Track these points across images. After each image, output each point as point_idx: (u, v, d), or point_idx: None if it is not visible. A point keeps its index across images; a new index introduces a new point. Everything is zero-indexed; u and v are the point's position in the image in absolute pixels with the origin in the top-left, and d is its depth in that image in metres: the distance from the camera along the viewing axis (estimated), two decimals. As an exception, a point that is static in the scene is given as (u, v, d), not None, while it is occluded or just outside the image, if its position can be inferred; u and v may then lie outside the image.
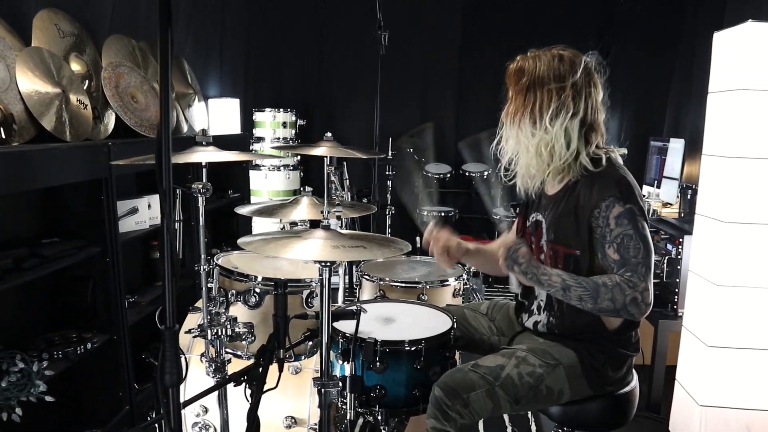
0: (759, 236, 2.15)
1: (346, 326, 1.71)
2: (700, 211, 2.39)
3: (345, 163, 2.87)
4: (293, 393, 2.02)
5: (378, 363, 1.66)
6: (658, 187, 3.83)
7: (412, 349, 1.68)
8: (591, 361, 1.66)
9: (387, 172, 4.63)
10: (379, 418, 1.69)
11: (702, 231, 2.38)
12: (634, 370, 1.82)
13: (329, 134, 2.62)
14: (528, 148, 1.64)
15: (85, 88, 2.60)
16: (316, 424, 1.99)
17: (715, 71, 2.31)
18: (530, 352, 1.67)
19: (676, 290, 2.70)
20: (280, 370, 1.46)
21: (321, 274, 1.39)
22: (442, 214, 4.53)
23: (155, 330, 1.84)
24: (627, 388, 1.74)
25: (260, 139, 4.40)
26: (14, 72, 2.16)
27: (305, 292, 1.79)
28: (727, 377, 2.27)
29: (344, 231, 1.48)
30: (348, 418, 1.67)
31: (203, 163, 1.60)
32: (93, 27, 2.79)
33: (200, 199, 1.58)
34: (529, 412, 2.75)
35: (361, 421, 2.62)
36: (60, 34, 2.50)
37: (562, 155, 1.62)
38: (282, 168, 4.47)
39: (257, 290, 1.77)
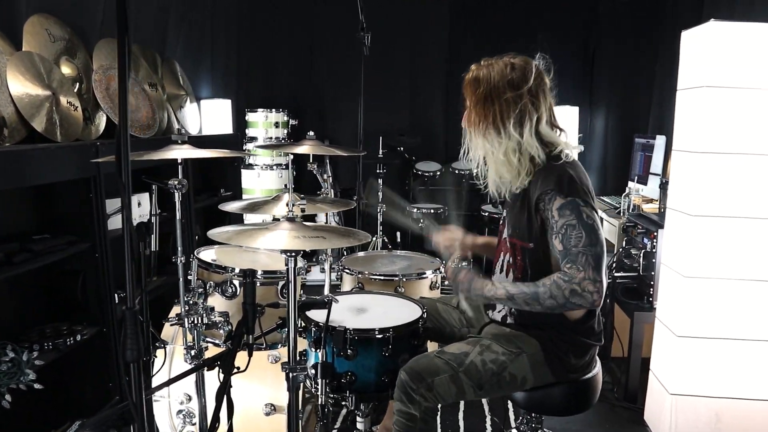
0: (724, 229, 2.22)
1: (319, 315, 1.79)
2: (671, 205, 2.46)
3: (327, 161, 2.95)
4: (272, 381, 2.10)
5: (348, 350, 1.74)
6: (644, 183, 3.90)
7: (381, 336, 1.76)
8: (554, 349, 1.73)
9: (378, 171, 4.71)
10: (350, 402, 1.77)
11: (672, 224, 2.45)
12: (597, 358, 1.90)
13: (311, 133, 2.71)
14: (498, 156, 1.69)
15: (75, 90, 2.69)
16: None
17: (682, 69, 2.38)
18: (494, 341, 1.75)
19: (651, 283, 2.77)
20: (250, 354, 1.54)
21: (287, 263, 1.47)
22: (432, 211, 4.60)
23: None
24: (589, 375, 1.81)
25: (253, 139, 4.50)
26: (5, 75, 2.26)
27: (280, 284, 1.88)
28: (695, 366, 2.34)
29: (308, 223, 1.56)
30: (320, 402, 1.75)
31: (179, 160, 1.68)
32: (84, 31, 2.88)
33: (176, 194, 1.66)
34: (509, 401, 2.84)
35: (344, 411, 2.71)
36: (51, 38, 2.59)
37: (539, 156, 1.69)
38: (275, 167, 4.56)
39: (234, 281, 1.86)
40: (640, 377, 2.81)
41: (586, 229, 1.59)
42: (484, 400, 2.85)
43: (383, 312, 1.95)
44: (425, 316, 1.90)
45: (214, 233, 1.48)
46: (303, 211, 1.53)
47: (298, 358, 1.88)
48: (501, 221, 1.90)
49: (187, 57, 3.94)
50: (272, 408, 2.08)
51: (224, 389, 1.46)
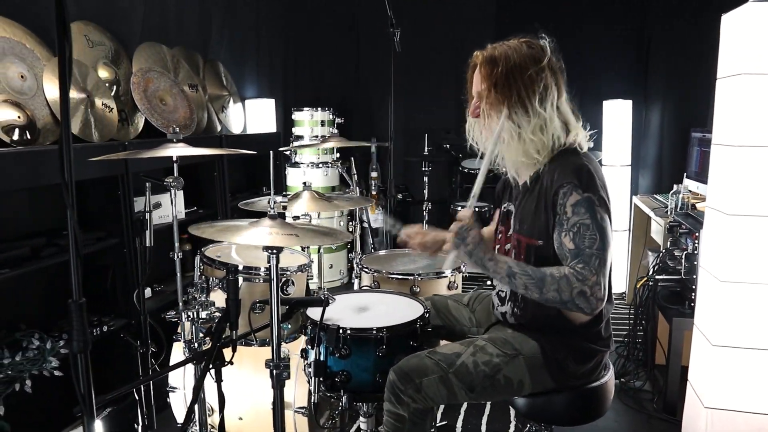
0: (762, 229, 2.03)
1: (318, 313, 1.79)
2: (710, 204, 2.28)
3: (352, 158, 2.94)
4: (281, 377, 2.12)
5: (342, 349, 1.73)
6: (702, 180, 3.65)
7: (375, 336, 1.73)
8: (553, 353, 1.65)
9: (423, 168, 4.67)
10: (343, 402, 1.75)
11: (710, 224, 2.27)
12: (609, 364, 1.79)
13: (335, 130, 2.72)
14: (524, 136, 1.60)
15: (113, 93, 2.82)
16: (301, 407, 2.09)
17: (722, 56, 2.20)
18: (490, 342, 1.68)
19: (693, 287, 2.58)
20: (233, 350, 1.55)
21: (269, 261, 1.47)
22: (477, 209, 4.50)
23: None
24: (597, 383, 1.71)
25: (299, 138, 4.56)
26: (41, 80, 2.40)
27: (281, 280, 1.88)
28: (732, 378, 2.15)
29: (294, 221, 1.55)
30: (313, 400, 1.75)
31: (174, 158, 1.72)
32: (124, 36, 3.02)
33: (172, 192, 1.70)
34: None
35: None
36: (89, 44, 2.73)
37: (560, 136, 1.63)
38: (320, 165, 4.61)
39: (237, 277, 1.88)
40: (679, 388, 2.63)
41: (600, 231, 1.51)
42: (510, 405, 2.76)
43: (385, 311, 1.92)
44: (427, 316, 1.86)
45: (195, 229, 1.50)
46: (284, 208, 1.52)
47: (303, 355, 1.90)
48: (501, 215, 1.83)
49: (233, 57, 4.05)
50: (280, 404, 2.10)
51: (202, 382, 1.48)
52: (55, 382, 2.09)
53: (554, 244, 1.58)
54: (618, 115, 4.25)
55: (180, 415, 2.29)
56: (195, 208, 3.21)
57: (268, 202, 1.46)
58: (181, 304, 1.75)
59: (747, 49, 1.99)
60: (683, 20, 4.04)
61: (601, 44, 4.39)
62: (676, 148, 4.08)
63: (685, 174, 3.33)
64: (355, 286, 2.74)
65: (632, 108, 4.25)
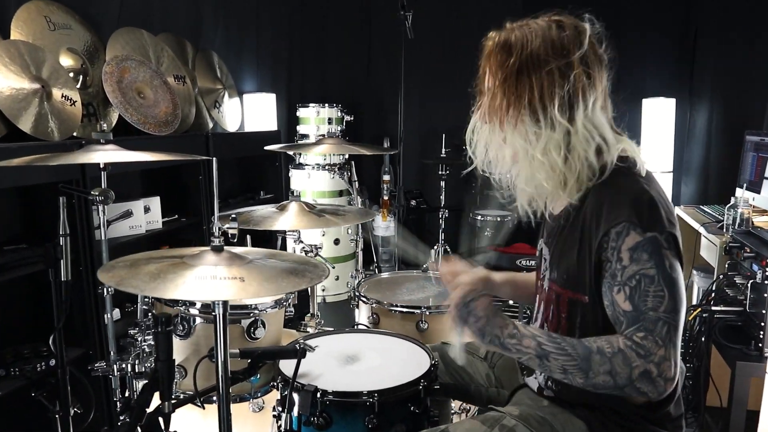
0: None
1: (292, 366, 1.38)
2: (791, 227, 1.83)
3: (353, 162, 2.53)
4: (254, 434, 1.72)
5: (319, 417, 1.32)
6: (757, 191, 3.18)
7: (363, 402, 1.32)
8: (607, 439, 1.22)
9: (440, 172, 4.24)
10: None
11: (793, 252, 1.82)
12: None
13: (333, 129, 2.32)
14: (531, 155, 1.18)
15: (79, 84, 2.45)
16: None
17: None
18: (522, 421, 1.26)
19: (762, 324, 2.13)
20: (167, 423, 1.15)
21: (213, 310, 1.07)
22: (498, 218, 4.07)
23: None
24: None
25: (304, 136, 4.14)
26: (-18, 66, 2.03)
27: (247, 321, 1.48)
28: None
29: (238, 250, 1.13)
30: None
31: (101, 165, 1.33)
32: (99, 20, 2.65)
33: (100, 208, 1.31)
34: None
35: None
36: (50, 26, 2.36)
37: (591, 158, 1.17)
38: (327, 167, 4.18)
39: (194, 317, 1.49)
40: (744, 440, 2.18)
41: (669, 286, 1.08)
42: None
43: (379, 363, 1.51)
44: (433, 371, 1.44)
45: (104, 273, 1.08)
46: (233, 237, 1.12)
47: (275, 415, 1.50)
48: (538, 255, 1.39)
49: (230, 47, 3.66)
50: (252, 466, 1.71)
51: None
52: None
53: (604, 303, 1.15)
54: (659, 115, 3.80)
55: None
56: (176, 216, 2.83)
57: (210, 227, 1.06)
58: (113, 353, 1.36)
59: None
60: (735, 6, 3.55)
61: (640, 34, 3.91)
62: (726, 153, 3.60)
63: (745, 184, 2.86)
64: (356, 316, 2.32)
65: (675, 107, 3.79)
